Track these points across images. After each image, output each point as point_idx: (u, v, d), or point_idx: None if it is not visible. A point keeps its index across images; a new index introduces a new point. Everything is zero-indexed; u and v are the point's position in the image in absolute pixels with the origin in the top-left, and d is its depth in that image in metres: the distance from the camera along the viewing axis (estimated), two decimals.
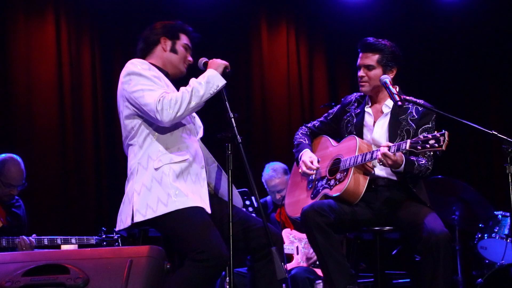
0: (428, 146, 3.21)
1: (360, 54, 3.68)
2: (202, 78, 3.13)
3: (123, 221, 3.15)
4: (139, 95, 3.08)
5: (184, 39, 3.33)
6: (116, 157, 5.80)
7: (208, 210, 3.11)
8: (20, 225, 4.43)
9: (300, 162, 3.72)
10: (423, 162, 3.49)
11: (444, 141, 3.17)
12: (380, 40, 3.67)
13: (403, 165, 3.40)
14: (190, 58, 3.34)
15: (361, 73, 3.65)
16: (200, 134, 3.34)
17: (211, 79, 3.11)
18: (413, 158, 3.48)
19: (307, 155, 3.71)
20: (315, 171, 3.66)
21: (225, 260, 2.96)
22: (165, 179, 3.07)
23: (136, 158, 3.17)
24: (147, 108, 3.06)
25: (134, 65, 3.16)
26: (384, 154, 3.34)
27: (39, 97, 5.79)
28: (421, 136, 3.27)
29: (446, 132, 3.20)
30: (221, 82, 3.13)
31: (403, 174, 3.48)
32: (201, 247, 2.93)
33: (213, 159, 3.33)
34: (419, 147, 3.24)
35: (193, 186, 3.13)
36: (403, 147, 3.29)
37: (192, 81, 3.13)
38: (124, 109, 3.18)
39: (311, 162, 3.66)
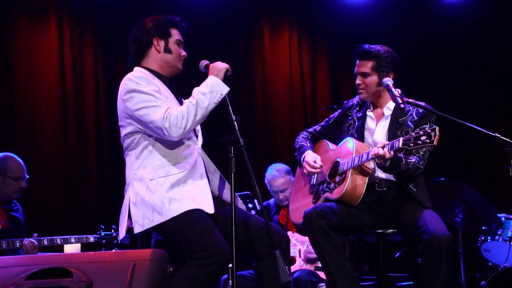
0: (420, 142, 3.22)
1: (357, 62, 3.70)
2: (205, 87, 3.10)
3: (121, 231, 3.18)
4: (144, 113, 3.07)
5: (175, 35, 3.31)
6: (118, 159, 5.76)
7: (209, 210, 3.11)
8: (20, 229, 4.46)
9: (304, 163, 3.73)
10: (412, 160, 3.49)
11: (435, 136, 3.18)
12: (374, 46, 3.68)
13: (388, 161, 3.41)
14: (184, 53, 3.33)
15: (357, 81, 3.68)
16: (200, 140, 3.34)
17: (214, 88, 3.09)
18: (401, 155, 3.48)
19: (310, 156, 3.73)
20: (318, 169, 3.67)
21: (227, 257, 2.95)
22: (159, 189, 3.08)
23: (132, 169, 3.18)
24: (153, 125, 3.06)
25: (133, 82, 3.13)
26: (376, 154, 3.35)
27: (42, 100, 5.80)
28: (413, 133, 3.28)
29: (437, 128, 3.21)
30: (225, 89, 3.11)
31: (388, 170, 3.49)
32: (201, 246, 2.93)
33: (214, 167, 3.33)
34: (412, 144, 3.25)
35: (191, 190, 3.12)
36: (397, 145, 3.31)
37: (196, 92, 3.11)
38: (127, 125, 3.18)
39: (315, 161, 3.68)
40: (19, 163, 4.44)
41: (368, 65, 3.64)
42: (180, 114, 3.04)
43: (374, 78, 3.64)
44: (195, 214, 3.04)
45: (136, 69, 3.27)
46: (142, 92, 3.10)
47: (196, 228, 2.99)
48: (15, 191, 4.40)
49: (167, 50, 3.27)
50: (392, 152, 3.34)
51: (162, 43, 3.27)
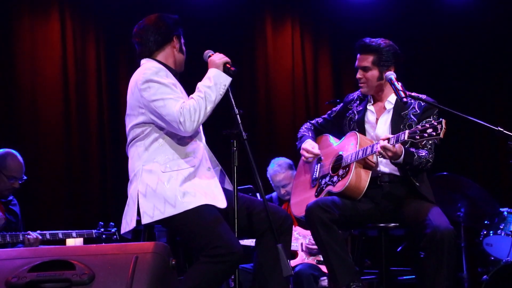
0: (426, 135, 3.22)
1: (358, 56, 3.71)
2: (209, 81, 3.11)
3: (128, 223, 3.16)
4: (160, 105, 3.06)
5: (182, 37, 3.35)
6: (120, 153, 5.78)
7: (221, 205, 3.11)
8: (18, 223, 4.47)
9: (301, 151, 3.75)
10: (423, 154, 3.50)
11: (441, 129, 3.18)
12: (375, 40, 3.68)
13: (402, 156, 3.40)
14: None
15: (358, 75, 3.69)
16: (203, 136, 3.34)
17: (217, 80, 3.11)
18: (412, 149, 3.49)
19: (308, 143, 3.75)
20: (314, 156, 3.69)
21: (240, 255, 2.97)
22: (172, 182, 3.07)
23: (140, 160, 3.15)
24: (168, 118, 3.05)
25: (152, 72, 3.12)
26: (383, 147, 3.34)
27: (44, 94, 5.80)
28: (419, 126, 3.29)
29: (443, 120, 3.21)
30: (227, 80, 3.12)
31: (403, 166, 3.48)
32: (214, 243, 2.95)
33: (217, 163, 3.33)
34: (417, 137, 3.25)
35: (203, 185, 3.13)
36: (402, 138, 3.31)
37: (201, 86, 3.11)
38: (138, 115, 3.15)
39: (312, 148, 3.70)
40: (18, 163, 4.40)
41: (369, 59, 3.64)
42: (192, 108, 3.04)
43: (375, 72, 3.64)
44: (207, 210, 3.05)
45: (150, 60, 3.24)
46: (160, 83, 3.09)
47: (209, 225, 3.00)
48: (6, 189, 4.39)
49: (181, 50, 3.31)
50: (397, 146, 3.34)
51: (178, 42, 3.29)
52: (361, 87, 3.72)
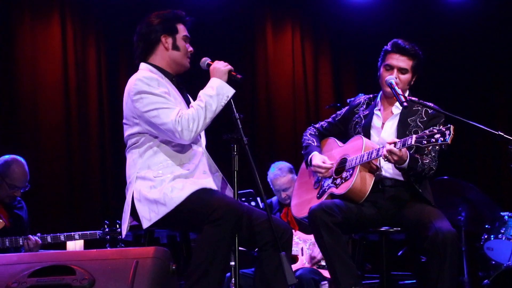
0: (433, 140, 3.21)
1: (394, 55, 3.64)
2: (211, 90, 3.10)
3: (124, 229, 3.18)
4: (154, 115, 3.06)
5: (182, 31, 3.28)
6: (121, 157, 5.78)
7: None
8: (23, 227, 4.43)
9: (313, 168, 3.72)
10: (426, 161, 3.50)
11: (449, 134, 3.16)
12: (414, 45, 3.68)
13: (407, 161, 3.40)
14: (190, 49, 3.30)
15: (394, 74, 3.62)
16: (204, 140, 3.34)
17: (220, 90, 3.10)
18: (417, 156, 3.48)
19: (317, 158, 3.71)
20: (328, 169, 3.67)
21: (239, 213, 2.98)
22: (162, 184, 3.08)
23: (135, 167, 3.17)
24: (164, 128, 3.05)
25: (144, 83, 3.10)
26: (389, 151, 3.33)
27: (45, 97, 5.81)
28: (426, 131, 3.27)
29: (452, 126, 3.19)
30: (230, 92, 3.12)
31: (407, 171, 3.47)
32: (211, 208, 2.96)
33: (216, 168, 3.32)
34: (425, 142, 3.23)
35: (193, 180, 3.14)
36: (409, 142, 3.29)
37: (203, 95, 3.10)
38: (133, 125, 3.16)
39: (324, 162, 3.68)
40: (22, 173, 4.34)
41: (410, 63, 3.63)
42: (191, 117, 3.04)
43: (409, 77, 3.64)
44: (197, 193, 3.06)
45: (144, 66, 3.24)
46: (152, 94, 3.08)
47: (201, 199, 3.02)
48: (7, 196, 4.35)
49: (175, 47, 3.24)
50: (403, 150, 3.34)
51: (170, 40, 3.24)
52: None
